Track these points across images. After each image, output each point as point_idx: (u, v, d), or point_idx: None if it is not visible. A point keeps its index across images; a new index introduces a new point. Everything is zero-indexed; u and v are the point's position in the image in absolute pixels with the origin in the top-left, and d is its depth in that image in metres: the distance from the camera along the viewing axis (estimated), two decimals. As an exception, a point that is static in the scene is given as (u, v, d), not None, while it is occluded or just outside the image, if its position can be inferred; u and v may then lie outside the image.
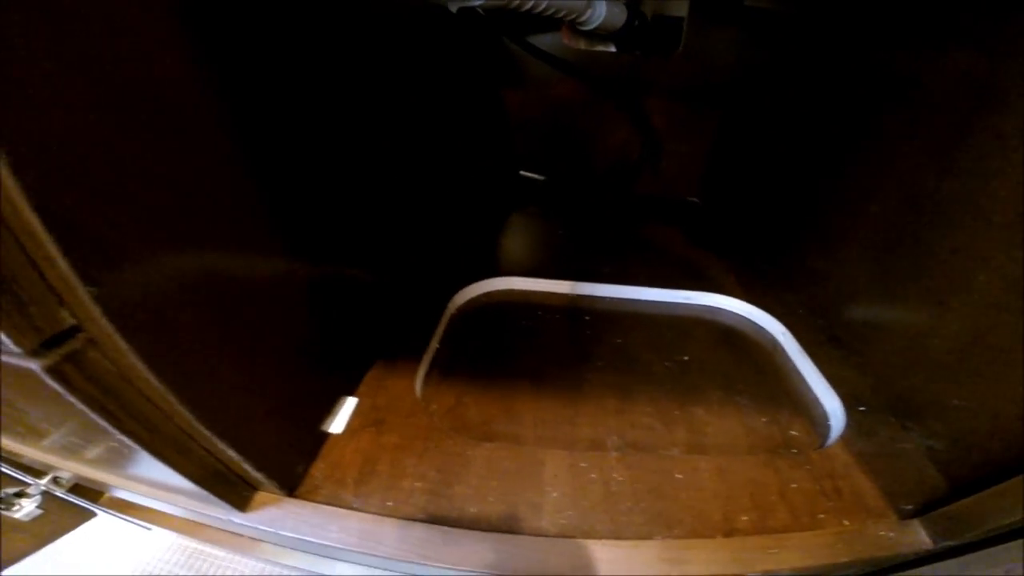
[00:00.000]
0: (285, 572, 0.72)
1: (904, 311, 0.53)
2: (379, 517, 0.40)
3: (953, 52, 0.48)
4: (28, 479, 0.66)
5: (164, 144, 0.27)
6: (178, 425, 0.32)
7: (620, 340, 0.63)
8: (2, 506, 0.68)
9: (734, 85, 0.89)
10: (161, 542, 0.88)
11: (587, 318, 0.67)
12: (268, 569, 0.75)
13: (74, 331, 0.25)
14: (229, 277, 0.33)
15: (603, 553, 0.39)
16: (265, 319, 0.37)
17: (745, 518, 0.42)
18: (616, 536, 0.40)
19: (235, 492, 0.40)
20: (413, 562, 0.38)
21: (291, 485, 0.43)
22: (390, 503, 0.41)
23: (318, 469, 0.44)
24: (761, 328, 0.69)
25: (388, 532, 0.40)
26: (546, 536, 0.40)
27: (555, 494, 0.43)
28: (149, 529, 0.75)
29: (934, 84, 0.50)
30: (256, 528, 0.41)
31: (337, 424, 0.47)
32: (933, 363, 0.49)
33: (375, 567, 0.42)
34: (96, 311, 0.25)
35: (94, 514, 0.85)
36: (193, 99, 0.29)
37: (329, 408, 0.48)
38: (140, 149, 0.26)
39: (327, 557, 0.51)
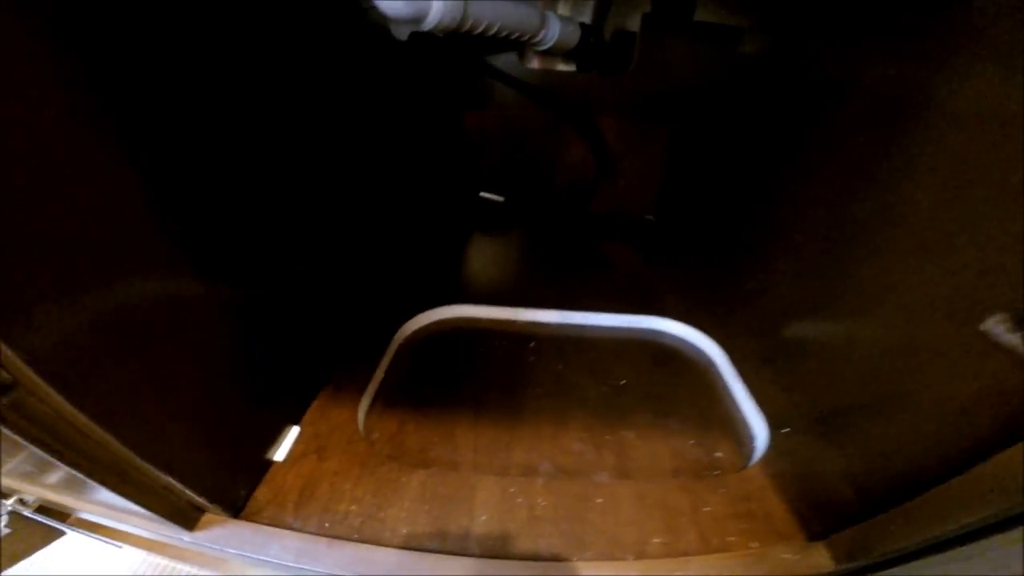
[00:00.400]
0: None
1: (825, 332, 0.57)
2: (315, 537, 0.44)
3: (871, 70, 0.52)
4: (-8, 500, 0.68)
5: (62, 200, 0.30)
6: (115, 455, 0.35)
7: (562, 366, 0.67)
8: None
9: (685, 101, 0.92)
10: (132, 558, 0.91)
11: (532, 344, 0.70)
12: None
13: (13, 385, 0.29)
14: (146, 319, 0.36)
15: (521, 571, 0.42)
16: (191, 354, 0.40)
17: (657, 541, 0.45)
18: (534, 557, 0.43)
19: (182, 514, 0.43)
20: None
21: (236, 507, 0.46)
22: (327, 524, 0.45)
23: (262, 493, 0.47)
24: (700, 350, 0.72)
25: (322, 551, 0.43)
26: (472, 556, 0.43)
27: (484, 518, 0.46)
28: (119, 547, 0.77)
29: (854, 103, 0.55)
30: (203, 546, 0.44)
31: (281, 452, 0.50)
32: (849, 384, 0.52)
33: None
34: (27, 369, 0.28)
35: (63, 533, 0.87)
36: (80, 136, 0.31)
37: (274, 437, 0.51)
38: (40, 211, 0.29)
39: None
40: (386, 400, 0.60)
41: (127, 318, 0.34)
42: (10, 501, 0.68)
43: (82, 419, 0.32)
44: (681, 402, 0.62)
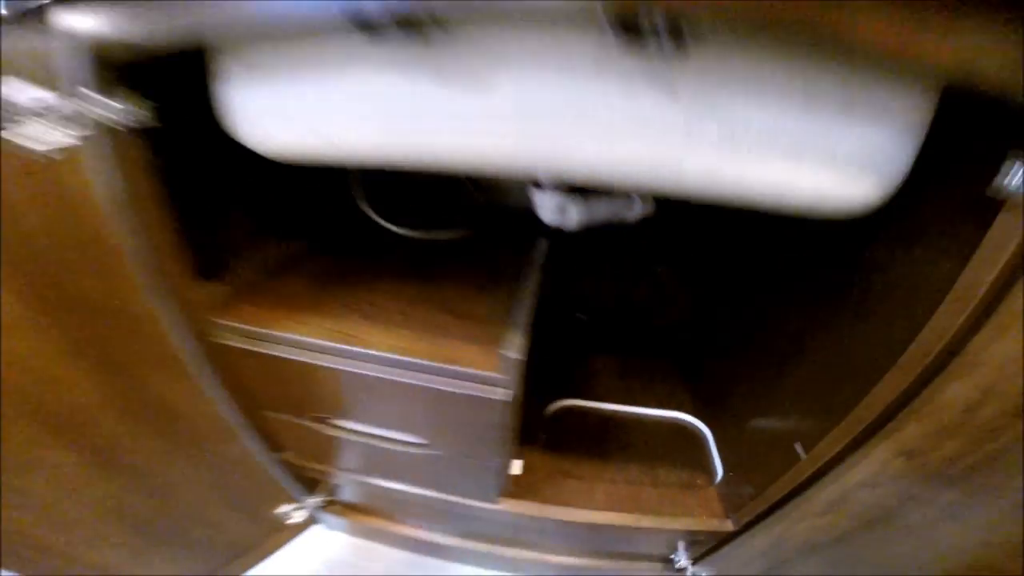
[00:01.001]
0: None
1: (755, 429, 1.26)
2: (548, 505, 1.17)
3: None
4: (301, 494, 1.28)
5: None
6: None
7: (626, 436, 1.39)
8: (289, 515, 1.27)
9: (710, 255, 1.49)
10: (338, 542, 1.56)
11: (611, 421, 1.43)
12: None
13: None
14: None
15: (615, 514, 1.15)
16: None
17: (668, 509, 1.16)
18: (625, 511, 1.16)
19: (499, 494, 1.18)
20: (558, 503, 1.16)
21: (510, 495, 1.20)
22: (549, 498, 1.18)
23: (515, 491, 1.21)
24: (700, 431, 1.41)
25: (553, 510, 1.16)
26: (596, 509, 1.16)
27: (601, 498, 1.19)
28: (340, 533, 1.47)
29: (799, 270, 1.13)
30: (509, 511, 1.19)
31: (515, 469, 1.25)
32: (756, 456, 1.21)
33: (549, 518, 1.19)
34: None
35: (317, 521, 1.44)
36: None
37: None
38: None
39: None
40: (546, 448, 1.34)
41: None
42: (316, 497, 1.34)
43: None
44: (685, 458, 1.33)
